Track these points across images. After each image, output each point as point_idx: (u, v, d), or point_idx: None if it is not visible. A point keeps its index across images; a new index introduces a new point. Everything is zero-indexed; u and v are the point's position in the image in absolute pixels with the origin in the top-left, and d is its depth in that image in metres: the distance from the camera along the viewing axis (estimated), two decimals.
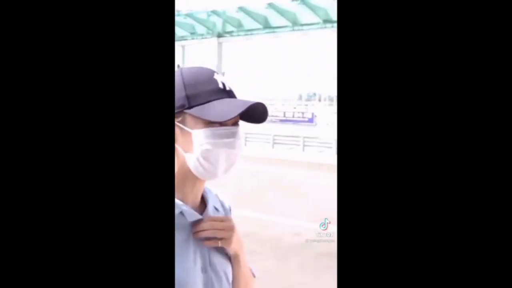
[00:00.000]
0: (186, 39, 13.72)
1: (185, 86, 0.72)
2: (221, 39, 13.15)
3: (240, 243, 0.81)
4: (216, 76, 0.75)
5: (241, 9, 11.67)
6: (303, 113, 23.82)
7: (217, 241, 0.76)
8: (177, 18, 12.10)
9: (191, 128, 0.71)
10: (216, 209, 0.83)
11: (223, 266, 0.79)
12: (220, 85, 0.73)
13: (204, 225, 0.74)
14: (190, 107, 0.71)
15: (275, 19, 11.86)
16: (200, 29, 13.15)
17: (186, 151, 0.72)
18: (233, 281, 0.81)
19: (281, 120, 21.69)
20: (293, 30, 11.97)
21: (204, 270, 0.74)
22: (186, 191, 0.75)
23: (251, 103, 0.70)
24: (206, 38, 13.32)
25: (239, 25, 12.60)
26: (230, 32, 13.02)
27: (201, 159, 0.71)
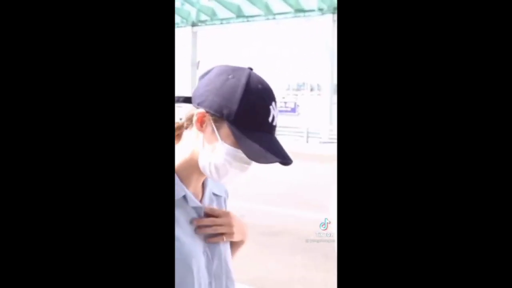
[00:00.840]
0: None
1: (241, 100, 0.70)
2: (195, 28, 13.15)
3: (243, 230, 0.85)
4: (272, 107, 0.73)
5: None
6: (285, 103, 23.86)
7: (222, 237, 0.80)
8: None
9: (221, 138, 0.72)
10: (214, 194, 0.85)
11: (222, 247, 0.83)
12: (270, 119, 0.73)
13: (205, 221, 0.78)
14: (232, 122, 0.71)
15: (248, 8, 11.91)
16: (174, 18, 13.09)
17: (204, 147, 0.74)
18: (231, 251, 0.86)
19: None
20: (267, 19, 12.01)
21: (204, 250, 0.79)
22: (192, 178, 0.78)
23: (284, 160, 0.71)
24: (180, 27, 13.24)
25: (213, 14, 12.61)
26: (204, 21, 13.02)
27: (212, 166, 0.73)
